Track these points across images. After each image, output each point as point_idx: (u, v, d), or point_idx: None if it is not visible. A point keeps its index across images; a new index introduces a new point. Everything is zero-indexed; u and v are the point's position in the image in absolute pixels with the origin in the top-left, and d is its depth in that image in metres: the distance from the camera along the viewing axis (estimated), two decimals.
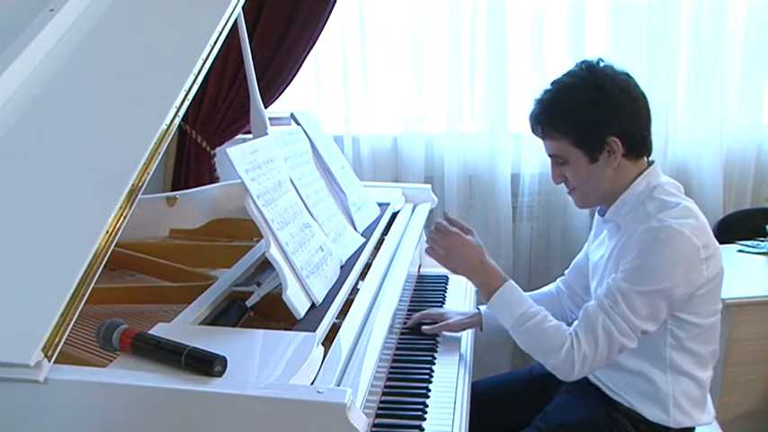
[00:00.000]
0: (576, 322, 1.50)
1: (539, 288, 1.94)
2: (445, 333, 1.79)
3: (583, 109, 1.49)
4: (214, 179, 2.79)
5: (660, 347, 1.52)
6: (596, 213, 1.68)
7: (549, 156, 1.57)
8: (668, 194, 1.51)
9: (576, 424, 1.56)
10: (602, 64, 1.52)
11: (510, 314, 1.53)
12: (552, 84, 1.54)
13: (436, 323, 1.79)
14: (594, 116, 1.48)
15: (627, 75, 1.52)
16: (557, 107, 1.52)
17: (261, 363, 1.14)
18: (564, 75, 1.54)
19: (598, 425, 1.55)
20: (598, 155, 1.51)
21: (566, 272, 1.88)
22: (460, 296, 2.07)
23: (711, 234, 1.50)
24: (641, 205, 1.51)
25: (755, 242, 2.60)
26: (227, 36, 1.45)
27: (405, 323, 1.83)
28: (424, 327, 1.78)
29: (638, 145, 1.53)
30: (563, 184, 1.60)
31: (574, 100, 1.50)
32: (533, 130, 1.57)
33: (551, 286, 1.90)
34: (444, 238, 1.62)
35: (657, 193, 1.51)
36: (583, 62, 1.53)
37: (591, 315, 1.47)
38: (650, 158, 1.58)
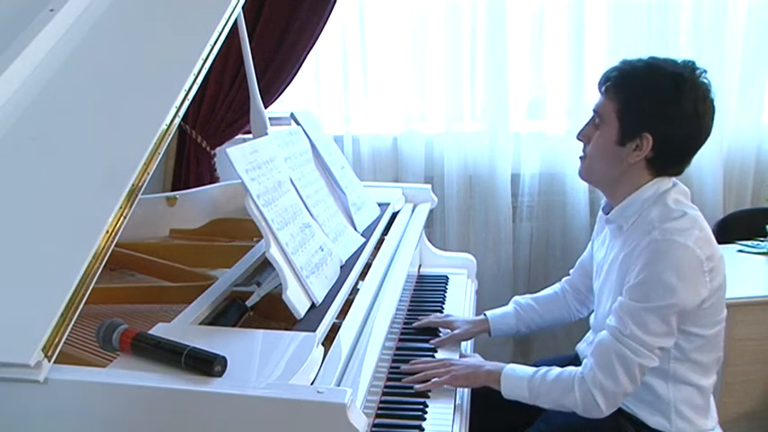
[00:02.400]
0: (587, 359, 1.50)
1: (540, 288, 1.94)
2: None
3: (649, 90, 1.47)
4: (214, 179, 2.79)
5: (663, 361, 1.49)
6: (600, 210, 1.67)
7: (593, 111, 1.56)
8: (674, 202, 1.49)
9: (578, 426, 1.55)
10: (702, 75, 1.48)
11: (522, 387, 1.52)
12: (649, 57, 1.53)
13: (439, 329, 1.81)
14: (650, 106, 1.46)
15: (712, 101, 1.48)
16: (633, 75, 1.50)
17: (261, 363, 1.14)
18: (665, 58, 1.52)
19: (601, 428, 1.55)
20: (627, 141, 1.48)
21: (570, 271, 1.89)
22: (460, 296, 2.07)
23: (715, 244, 1.48)
24: (646, 211, 1.49)
25: (755, 242, 2.60)
26: (227, 36, 1.45)
27: (405, 324, 1.83)
28: (433, 341, 1.75)
29: (669, 160, 1.50)
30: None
31: (650, 80, 1.48)
32: (600, 84, 1.55)
33: (556, 287, 1.90)
34: (437, 367, 1.56)
35: (663, 200, 1.49)
36: (690, 61, 1.50)
37: (603, 346, 1.46)
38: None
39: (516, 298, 1.91)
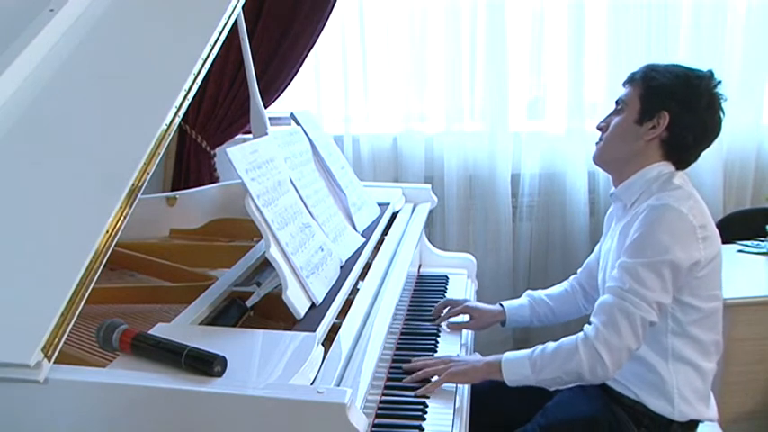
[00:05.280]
0: (590, 321, 1.52)
1: (540, 288, 1.95)
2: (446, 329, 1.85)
3: (672, 78, 1.57)
4: (214, 179, 2.79)
5: (661, 334, 1.54)
6: (608, 211, 1.72)
7: (616, 102, 1.65)
8: (675, 180, 1.57)
9: (577, 420, 1.57)
10: (718, 85, 1.57)
11: (524, 366, 1.53)
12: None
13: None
14: (672, 88, 1.56)
15: (722, 107, 1.57)
16: (659, 67, 1.60)
17: (261, 363, 1.14)
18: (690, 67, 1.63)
19: (599, 421, 1.56)
20: (645, 119, 1.57)
21: (578, 270, 1.91)
22: (460, 296, 2.06)
23: (710, 219, 1.54)
24: (648, 188, 1.57)
25: (755, 242, 2.60)
26: (227, 36, 1.45)
27: (405, 324, 1.83)
28: (445, 323, 1.84)
29: (679, 144, 1.57)
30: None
31: (675, 71, 1.59)
32: (626, 81, 1.64)
33: (565, 284, 1.92)
34: (437, 365, 1.57)
35: (666, 178, 1.57)
36: (710, 70, 1.59)
37: (606, 305, 1.50)
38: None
39: (529, 292, 1.93)
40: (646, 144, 1.58)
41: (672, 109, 1.55)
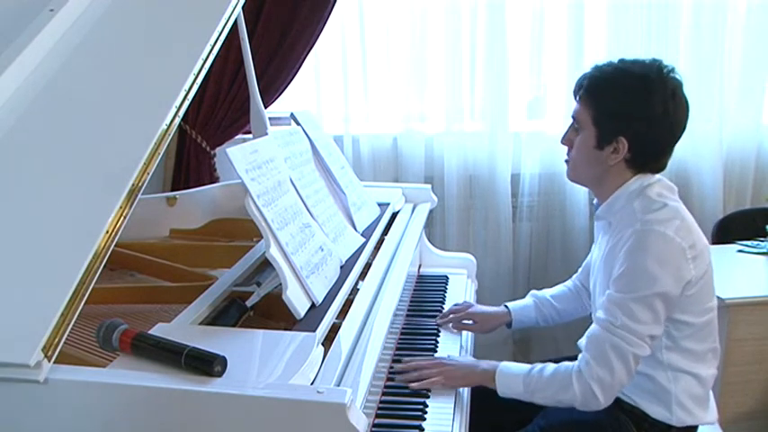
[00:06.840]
0: (582, 353, 1.51)
1: (541, 287, 1.95)
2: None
3: (619, 95, 1.50)
4: (214, 179, 2.79)
5: (656, 350, 1.52)
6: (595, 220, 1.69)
7: (572, 117, 1.59)
8: (657, 194, 1.52)
9: (577, 422, 1.56)
10: (670, 74, 1.50)
11: (517, 383, 1.53)
12: (618, 60, 1.56)
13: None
14: (622, 109, 1.50)
15: (683, 95, 1.51)
16: (602, 82, 1.53)
17: (261, 363, 1.14)
18: (633, 59, 1.55)
19: (600, 423, 1.56)
20: (605, 144, 1.52)
21: (579, 270, 1.90)
22: (460, 296, 2.07)
23: (699, 233, 1.51)
24: (630, 204, 1.53)
25: (755, 242, 2.60)
26: (227, 36, 1.45)
27: (405, 324, 1.83)
28: (449, 323, 1.83)
29: (647, 159, 1.53)
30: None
31: (620, 83, 1.51)
32: (574, 91, 1.59)
33: (568, 283, 1.91)
34: (431, 368, 1.56)
35: (646, 192, 1.52)
36: (657, 60, 1.53)
37: (597, 339, 1.48)
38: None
39: (534, 292, 1.93)
40: (612, 166, 1.53)
41: (627, 132, 1.49)
